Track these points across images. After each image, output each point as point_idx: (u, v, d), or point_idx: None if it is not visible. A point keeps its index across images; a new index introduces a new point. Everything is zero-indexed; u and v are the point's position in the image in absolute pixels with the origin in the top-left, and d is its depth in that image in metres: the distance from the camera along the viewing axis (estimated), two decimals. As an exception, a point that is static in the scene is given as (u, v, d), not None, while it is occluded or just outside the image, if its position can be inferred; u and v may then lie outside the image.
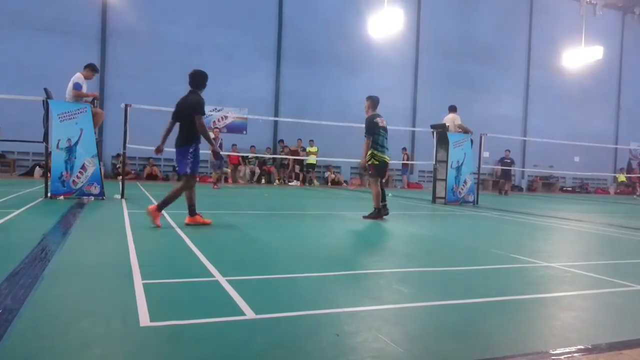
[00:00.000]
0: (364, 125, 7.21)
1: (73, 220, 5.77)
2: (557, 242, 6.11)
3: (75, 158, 8.07)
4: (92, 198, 8.17)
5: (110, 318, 2.29)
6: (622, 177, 22.75)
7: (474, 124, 12.46)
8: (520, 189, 23.39)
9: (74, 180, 8.08)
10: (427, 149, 13.06)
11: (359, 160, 22.36)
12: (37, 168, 15.91)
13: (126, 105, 9.00)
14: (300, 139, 19.16)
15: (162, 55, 17.90)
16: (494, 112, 22.68)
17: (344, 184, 20.19)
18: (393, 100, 18.88)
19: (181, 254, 3.97)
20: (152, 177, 17.34)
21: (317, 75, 20.04)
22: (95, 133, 8.42)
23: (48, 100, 8.18)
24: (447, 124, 11.26)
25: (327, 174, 20.18)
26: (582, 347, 2.17)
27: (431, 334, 2.29)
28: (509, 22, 23.68)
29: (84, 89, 8.42)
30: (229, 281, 3.03)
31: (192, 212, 5.71)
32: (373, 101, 7.26)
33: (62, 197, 7.99)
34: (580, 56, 21.01)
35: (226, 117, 18.90)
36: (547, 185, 24.14)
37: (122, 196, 8.72)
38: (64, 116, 8.06)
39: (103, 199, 8.23)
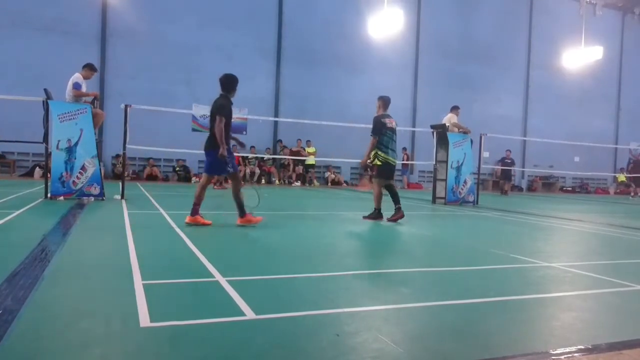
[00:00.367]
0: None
1: (73, 221, 5.77)
2: (557, 242, 6.11)
3: (75, 159, 8.06)
4: (92, 198, 8.17)
5: (110, 318, 2.29)
6: (622, 177, 22.74)
7: (474, 124, 12.46)
8: (520, 189, 23.39)
9: (74, 181, 8.07)
10: (427, 149, 13.06)
11: (359, 161, 22.28)
12: (37, 169, 15.90)
13: (126, 106, 9.00)
14: (300, 139, 19.16)
15: (162, 55, 17.91)
16: (494, 112, 22.67)
17: (344, 184, 20.18)
18: (393, 100, 18.73)
19: (181, 254, 3.97)
20: (152, 177, 17.35)
21: (317, 75, 20.04)
22: (95, 133, 8.41)
23: (48, 100, 8.17)
24: (446, 124, 11.27)
25: (327, 174, 20.18)
26: (582, 347, 2.17)
27: (431, 334, 2.29)
28: (509, 22, 23.67)
29: (83, 89, 8.42)
30: (229, 281, 3.03)
31: (194, 211, 5.71)
32: (384, 101, 7.17)
33: (62, 198, 7.99)
34: (580, 56, 21.02)
35: (226, 117, 18.87)
36: (547, 185, 24.14)
37: (122, 197, 8.72)
38: (64, 117, 8.05)
39: (103, 199, 8.23)
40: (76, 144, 8.07)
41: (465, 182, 11.06)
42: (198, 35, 18.40)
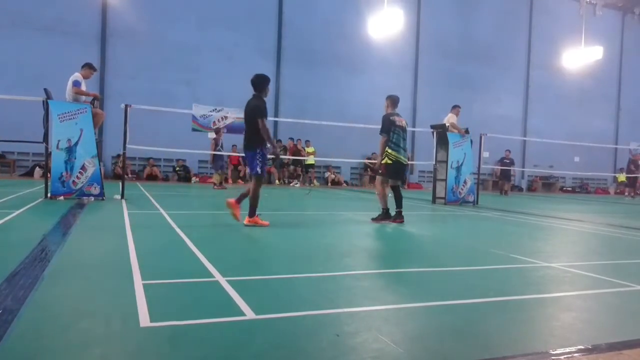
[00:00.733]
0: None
1: (73, 221, 5.77)
2: (557, 242, 6.11)
3: (75, 158, 8.06)
4: (92, 198, 8.17)
5: (110, 318, 2.29)
6: (622, 177, 22.74)
7: (474, 124, 12.46)
8: (520, 189, 23.40)
9: (73, 181, 8.07)
10: (427, 149, 13.06)
11: (359, 161, 22.17)
12: (37, 168, 15.91)
13: (126, 106, 9.01)
14: (300, 139, 19.15)
15: (162, 55, 17.91)
16: (494, 112, 22.68)
17: (344, 184, 20.18)
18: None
19: (181, 254, 3.97)
20: (152, 177, 17.35)
21: (317, 75, 20.05)
22: (95, 133, 8.41)
23: (48, 100, 8.17)
24: (446, 124, 11.27)
25: (327, 174, 20.18)
26: (582, 347, 2.17)
27: (431, 334, 2.29)
28: (509, 22, 23.68)
29: (83, 88, 8.42)
30: (229, 281, 3.03)
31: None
32: (393, 100, 7.04)
33: (62, 198, 7.99)
34: (580, 56, 21.02)
35: (226, 117, 18.87)
36: (547, 185, 24.15)
37: (122, 197, 8.72)
38: (64, 116, 8.05)
39: (103, 199, 8.23)
40: (76, 143, 8.07)
41: (465, 182, 11.06)
42: (198, 35, 18.40)
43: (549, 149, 22.77)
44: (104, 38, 17.31)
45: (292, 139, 18.96)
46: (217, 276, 3.16)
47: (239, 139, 18.48)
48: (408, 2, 21.07)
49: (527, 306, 2.88)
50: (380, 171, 6.88)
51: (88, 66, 8.59)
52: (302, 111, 18.66)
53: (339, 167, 20.54)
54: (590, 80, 24.50)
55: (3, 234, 4.80)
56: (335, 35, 20.12)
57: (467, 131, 11.30)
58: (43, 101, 8.17)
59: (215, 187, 14.05)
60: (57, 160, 8.00)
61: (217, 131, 14.93)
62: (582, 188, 25.06)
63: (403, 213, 6.68)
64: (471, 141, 11.31)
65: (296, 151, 18.62)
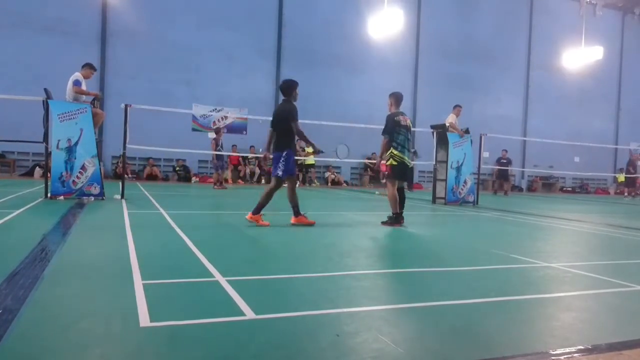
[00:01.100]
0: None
1: (73, 221, 5.77)
2: (557, 242, 6.10)
3: (75, 158, 8.06)
4: (92, 198, 8.17)
5: (110, 318, 2.29)
6: (621, 178, 22.74)
7: (474, 124, 12.45)
8: (520, 189, 23.39)
9: (73, 181, 8.07)
10: (427, 149, 13.05)
11: (359, 161, 22.15)
12: (37, 168, 15.91)
13: (126, 106, 9.01)
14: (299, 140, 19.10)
15: (162, 55, 17.91)
16: (494, 113, 22.68)
17: (344, 185, 20.17)
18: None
19: (181, 254, 3.97)
20: (152, 177, 17.35)
21: (317, 75, 20.04)
22: (95, 133, 8.42)
23: (48, 100, 8.17)
24: (446, 124, 11.27)
25: (327, 174, 20.18)
26: (582, 347, 2.17)
27: (431, 334, 2.29)
28: (509, 23, 23.68)
29: (83, 87, 8.42)
30: (229, 281, 3.03)
31: (296, 212, 5.99)
32: (397, 98, 6.80)
33: (62, 198, 7.99)
34: (580, 56, 21.03)
35: (226, 118, 18.87)
36: (547, 185, 24.14)
37: (122, 196, 8.72)
38: (64, 116, 8.05)
39: (103, 199, 8.23)
40: (76, 143, 8.07)
41: (465, 182, 11.06)
42: (198, 36, 18.40)
43: (549, 149, 22.76)
44: (104, 38, 17.31)
45: None
46: (217, 276, 3.16)
47: (239, 139, 18.58)
48: (408, 2, 21.07)
49: (527, 306, 2.88)
50: (386, 173, 6.74)
51: (88, 66, 8.60)
52: (302, 111, 18.45)
53: (339, 167, 20.54)
54: (590, 80, 24.50)
55: (3, 234, 4.80)
56: (335, 36, 20.11)
57: (467, 131, 11.30)
58: (43, 101, 8.17)
59: (215, 187, 14.04)
60: (57, 160, 8.00)
61: (217, 131, 14.96)
62: (582, 188, 25.06)
63: (403, 214, 6.63)
64: (471, 141, 11.31)
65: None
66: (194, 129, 18.90)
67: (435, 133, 11.40)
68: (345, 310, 2.56)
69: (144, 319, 2.27)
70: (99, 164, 8.46)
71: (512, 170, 20.42)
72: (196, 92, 18.33)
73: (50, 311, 2.39)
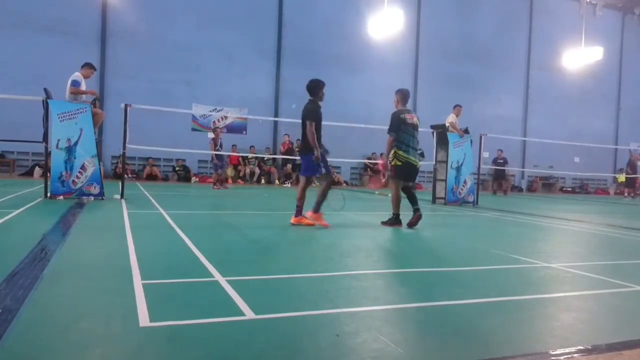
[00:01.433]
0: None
1: (72, 220, 5.76)
2: (557, 242, 6.10)
3: (75, 158, 8.06)
4: (92, 198, 8.17)
5: (109, 318, 2.29)
6: (621, 178, 22.75)
7: (473, 124, 12.45)
8: (520, 190, 23.39)
9: (73, 181, 8.07)
10: (427, 149, 13.06)
11: (359, 161, 22.11)
12: (37, 168, 15.90)
13: (126, 105, 9.00)
14: (299, 139, 19.10)
15: (162, 55, 17.91)
16: (494, 113, 22.68)
17: (344, 185, 20.18)
18: (393, 101, 18.91)
19: (181, 254, 3.97)
20: (151, 177, 17.35)
21: (317, 75, 19.52)
22: (95, 133, 8.41)
23: (48, 100, 8.17)
24: (446, 124, 11.27)
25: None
26: (581, 347, 2.17)
27: (431, 335, 2.29)
28: (509, 23, 23.68)
29: (83, 87, 8.41)
30: (229, 281, 3.02)
31: (298, 212, 5.98)
32: (403, 95, 6.59)
33: (61, 197, 7.98)
34: (580, 57, 21.02)
35: (226, 117, 18.90)
36: (547, 185, 24.14)
37: (122, 196, 8.72)
38: (64, 116, 8.05)
39: (103, 199, 8.23)
40: (76, 143, 8.07)
41: (465, 182, 11.06)
42: (198, 35, 18.39)
43: (548, 149, 22.76)
44: (104, 38, 17.31)
45: (287, 135, 18.86)
46: (217, 276, 3.16)
47: (239, 139, 18.59)
48: (408, 2, 21.06)
49: (527, 306, 2.88)
50: (390, 173, 6.59)
51: (88, 66, 8.59)
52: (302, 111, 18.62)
53: (339, 167, 20.54)
54: (590, 80, 24.50)
55: (2, 234, 4.80)
56: (335, 36, 20.11)
57: (466, 131, 11.30)
58: (43, 101, 8.17)
59: (214, 187, 14.04)
60: (57, 159, 8.00)
61: (215, 131, 14.98)
62: (582, 188, 25.05)
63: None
64: (471, 141, 11.31)
65: (290, 150, 18.48)
66: (193, 129, 18.96)
67: (435, 133, 11.40)
68: (345, 310, 2.56)
69: (144, 319, 2.27)
70: (99, 164, 8.46)
71: (512, 170, 20.39)
72: (196, 92, 18.34)
73: (50, 311, 2.39)
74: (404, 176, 6.46)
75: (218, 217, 7.40)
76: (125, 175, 10.06)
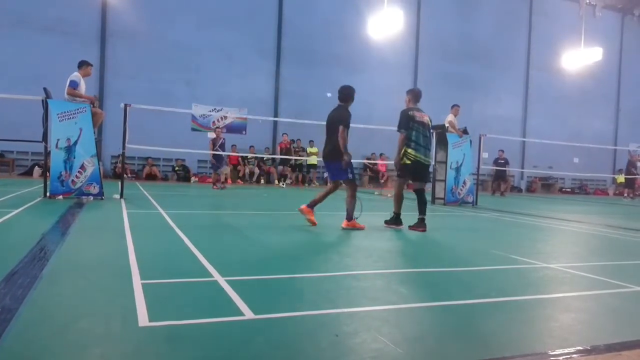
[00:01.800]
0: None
1: (72, 220, 5.76)
2: (556, 243, 6.11)
3: (74, 158, 8.06)
4: (91, 198, 8.17)
5: (109, 318, 2.29)
6: (620, 179, 22.77)
7: (473, 125, 12.46)
8: (520, 190, 23.40)
9: (73, 180, 8.07)
10: (426, 150, 13.03)
11: (359, 161, 22.11)
12: (36, 168, 15.90)
13: (126, 105, 9.00)
14: (299, 139, 19.12)
15: (162, 55, 17.91)
16: (494, 113, 22.69)
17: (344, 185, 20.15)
18: (392, 101, 18.85)
19: (180, 254, 3.97)
20: (151, 177, 17.35)
21: (317, 75, 20.04)
22: (94, 133, 8.41)
23: (47, 99, 8.17)
24: (446, 125, 11.27)
25: (326, 174, 20.14)
26: (580, 348, 2.17)
27: (430, 335, 2.29)
28: (509, 23, 23.69)
29: (82, 86, 8.38)
30: (228, 281, 3.02)
31: (311, 204, 6.06)
32: (414, 94, 6.54)
33: (61, 197, 7.98)
34: (580, 57, 21.03)
35: (226, 117, 18.90)
36: (546, 186, 24.15)
37: (121, 196, 8.72)
38: (63, 116, 8.05)
39: (102, 198, 8.22)
40: (75, 143, 8.07)
41: (464, 182, 11.06)
42: (198, 35, 18.40)
43: (548, 149, 22.77)
44: (104, 38, 17.31)
45: (286, 134, 18.85)
46: (216, 276, 3.16)
47: (239, 139, 18.58)
48: (408, 2, 21.08)
49: (527, 307, 2.88)
50: (397, 172, 6.47)
51: (85, 64, 8.52)
52: (302, 111, 18.63)
53: (338, 168, 20.51)
54: (589, 81, 24.51)
55: (2, 233, 4.80)
56: (335, 35, 20.11)
57: (465, 131, 11.30)
58: (42, 100, 8.16)
59: (214, 187, 14.03)
60: (56, 159, 8.00)
61: (216, 131, 14.97)
62: (581, 189, 25.07)
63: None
64: (470, 142, 11.32)
65: (287, 150, 18.46)
66: (193, 129, 18.96)
67: (434, 133, 11.39)
68: (344, 310, 2.56)
69: (143, 319, 2.27)
70: (98, 164, 8.45)
71: (512, 170, 20.40)
72: (196, 92, 18.34)
73: (49, 311, 2.39)
74: (414, 175, 6.37)
75: (217, 217, 7.39)
76: (125, 175, 10.06)
